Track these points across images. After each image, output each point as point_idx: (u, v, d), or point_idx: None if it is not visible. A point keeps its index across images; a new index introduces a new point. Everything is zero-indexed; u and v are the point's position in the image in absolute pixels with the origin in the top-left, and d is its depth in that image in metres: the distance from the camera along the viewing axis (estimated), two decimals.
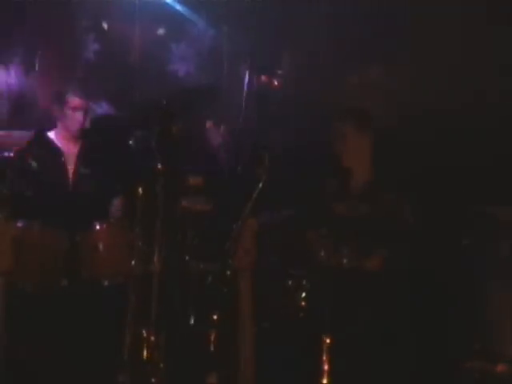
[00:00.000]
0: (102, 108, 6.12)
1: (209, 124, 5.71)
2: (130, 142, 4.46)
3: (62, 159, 5.14)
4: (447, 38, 5.04)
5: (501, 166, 4.73)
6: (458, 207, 4.58)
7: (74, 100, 5.08)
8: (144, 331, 4.22)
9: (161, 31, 6.13)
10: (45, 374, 4.21)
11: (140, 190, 4.34)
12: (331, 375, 4.08)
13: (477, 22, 4.91)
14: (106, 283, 4.61)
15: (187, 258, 4.43)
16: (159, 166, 4.04)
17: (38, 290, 4.54)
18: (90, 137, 5.30)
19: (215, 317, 4.29)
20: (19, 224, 4.58)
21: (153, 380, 4.08)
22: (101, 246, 4.64)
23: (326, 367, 4.10)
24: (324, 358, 4.10)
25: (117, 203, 5.14)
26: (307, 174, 5.03)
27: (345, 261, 4.22)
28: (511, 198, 4.35)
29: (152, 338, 4.15)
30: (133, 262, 4.40)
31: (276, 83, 5.63)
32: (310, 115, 5.49)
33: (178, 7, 6.03)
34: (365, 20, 5.40)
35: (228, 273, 4.24)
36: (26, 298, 4.50)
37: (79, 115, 5.09)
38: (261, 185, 4.30)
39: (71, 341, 4.39)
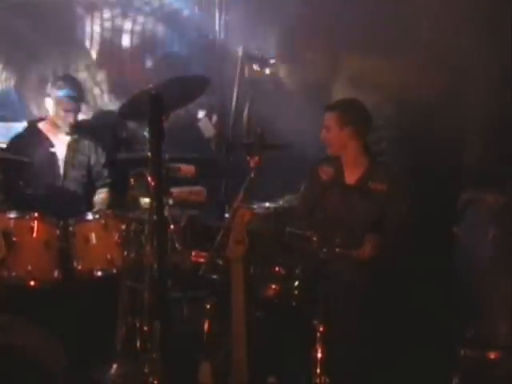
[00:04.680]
0: None
1: (201, 114, 5.71)
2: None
3: (53, 150, 5.14)
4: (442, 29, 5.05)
5: (490, 152, 4.74)
6: (447, 194, 4.59)
7: (67, 103, 5.07)
8: (137, 321, 4.24)
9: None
10: (37, 365, 4.20)
11: (132, 180, 4.34)
12: (325, 364, 4.09)
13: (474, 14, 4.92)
14: (98, 274, 4.61)
15: (179, 247, 4.43)
16: (150, 156, 4.03)
17: (31, 281, 4.53)
18: (81, 128, 5.30)
19: (208, 306, 4.30)
20: (11, 215, 4.57)
21: (146, 370, 4.08)
22: (93, 237, 4.63)
23: (319, 356, 4.11)
24: (317, 346, 4.10)
25: (101, 197, 5.14)
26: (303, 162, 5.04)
27: (337, 249, 4.22)
28: (500, 183, 4.36)
29: (145, 328, 4.15)
30: (125, 253, 4.41)
31: (268, 72, 5.61)
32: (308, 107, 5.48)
33: None
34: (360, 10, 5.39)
35: (220, 262, 4.24)
36: (18, 290, 4.50)
37: (70, 116, 5.09)
38: (253, 174, 4.31)
39: (64, 331, 4.37)
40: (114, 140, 5.78)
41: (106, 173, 5.26)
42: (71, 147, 5.19)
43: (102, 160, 5.27)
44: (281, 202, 4.78)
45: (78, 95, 5.14)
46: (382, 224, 4.51)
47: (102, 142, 5.34)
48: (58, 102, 5.07)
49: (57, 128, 5.17)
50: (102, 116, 5.93)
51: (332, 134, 4.63)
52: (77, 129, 5.21)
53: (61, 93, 5.07)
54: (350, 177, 4.67)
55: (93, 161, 5.24)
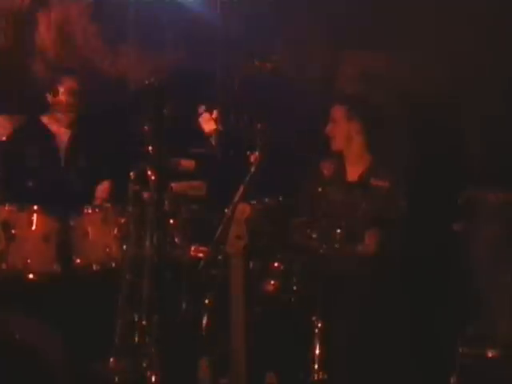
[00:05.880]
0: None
1: (201, 109, 5.67)
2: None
3: (55, 143, 5.13)
4: (448, 24, 5.06)
5: (490, 150, 4.76)
6: (448, 192, 4.60)
7: (67, 97, 5.05)
8: (135, 315, 4.23)
9: None
10: (35, 358, 4.20)
11: (132, 174, 4.33)
12: (323, 360, 4.09)
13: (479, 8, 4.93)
14: (97, 268, 4.60)
15: (178, 242, 4.43)
16: (151, 150, 4.03)
17: (30, 274, 4.53)
18: (83, 123, 5.29)
19: (207, 302, 4.29)
20: (11, 207, 4.57)
21: (144, 364, 4.08)
22: (91, 231, 4.63)
23: (317, 352, 4.11)
24: (316, 342, 4.11)
25: (102, 188, 5.12)
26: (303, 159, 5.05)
27: (336, 245, 4.23)
28: (501, 182, 4.37)
29: (143, 323, 4.15)
30: (124, 247, 4.40)
31: (269, 68, 5.61)
32: (307, 101, 5.48)
33: None
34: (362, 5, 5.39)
35: (220, 258, 4.24)
36: (17, 283, 4.50)
37: (70, 110, 5.08)
38: (253, 169, 4.31)
39: (62, 325, 4.37)
40: (119, 133, 5.75)
41: (107, 166, 5.24)
42: (73, 141, 5.17)
43: (104, 153, 5.25)
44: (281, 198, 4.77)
45: (80, 89, 5.13)
46: (382, 221, 4.51)
47: (104, 135, 5.33)
48: (60, 95, 5.06)
49: (58, 121, 5.16)
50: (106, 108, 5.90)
51: (338, 127, 4.64)
52: (78, 122, 5.20)
53: (63, 86, 5.06)
54: (352, 173, 4.69)
55: (94, 155, 5.22)
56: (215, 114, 5.68)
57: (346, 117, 4.63)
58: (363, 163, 4.67)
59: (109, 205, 4.77)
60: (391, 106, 5.25)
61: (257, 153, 4.36)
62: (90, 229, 4.63)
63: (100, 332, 4.38)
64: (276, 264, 4.34)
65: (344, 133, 4.64)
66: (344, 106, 4.65)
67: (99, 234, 4.63)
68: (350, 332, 4.27)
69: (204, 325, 4.28)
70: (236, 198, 4.19)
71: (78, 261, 4.61)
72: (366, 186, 4.58)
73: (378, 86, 5.33)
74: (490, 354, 4.12)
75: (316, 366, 4.10)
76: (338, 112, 4.66)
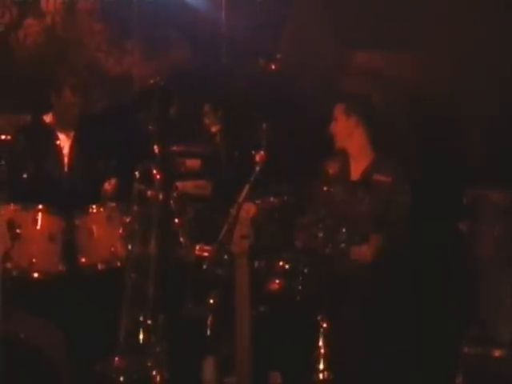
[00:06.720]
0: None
1: (206, 108, 5.68)
2: None
3: (58, 142, 5.12)
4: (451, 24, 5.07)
5: (496, 149, 4.76)
6: (454, 191, 4.60)
7: (70, 97, 5.05)
8: (140, 315, 4.23)
9: None
10: (40, 357, 4.21)
11: (137, 173, 4.33)
12: (328, 359, 4.09)
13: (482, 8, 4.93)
14: (102, 267, 4.60)
15: (183, 241, 4.43)
16: (156, 149, 4.03)
17: (35, 273, 4.53)
18: (86, 122, 5.29)
19: (212, 301, 4.29)
20: (16, 207, 4.57)
21: (149, 363, 4.08)
22: (96, 230, 4.63)
23: (322, 351, 4.11)
24: (321, 342, 4.10)
25: (108, 186, 5.12)
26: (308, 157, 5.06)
27: (342, 245, 4.23)
28: (507, 181, 4.37)
29: (149, 322, 4.16)
30: (129, 246, 4.40)
31: (274, 67, 5.61)
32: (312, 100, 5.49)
33: None
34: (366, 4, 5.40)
35: (225, 257, 4.24)
36: (22, 282, 4.50)
37: (73, 110, 5.08)
38: (258, 169, 4.30)
39: (67, 324, 4.37)
40: (123, 131, 5.75)
41: (111, 166, 5.24)
42: (77, 140, 5.17)
43: (108, 153, 5.25)
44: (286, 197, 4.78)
45: (82, 88, 5.13)
46: (385, 218, 4.51)
47: (108, 134, 5.32)
48: (62, 94, 5.06)
49: (62, 121, 5.16)
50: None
51: (338, 125, 4.69)
52: (82, 120, 5.20)
53: (66, 85, 5.06)
54: (356, 171, 4.70)
55: (98, 154, 5.22)
56: (220, 113, 5.71)
57: (344, 114, 4.68)
58: (366, 159, 4.70)
59: (113, 204, 4.77)
60: (394, 103, 5.27)
61: (262, 152, 4.35)
62: (95, 228, 4.63)
63: (105, 331, 4.38)
64: (281, 263, 4.34)
65: (344, 130, 4.70)
66: (342, 103, 4.70)
67: (104, 233, 4.63)
68: (355, 332, 4.26)
69: (209, 324, 4.28)
70: (241, 198, 4.18)
71: (83, 260, 4.62)
72: (369, 183, 4.60)
73: (381, 85, 5.34)
74: (495, 354, 4.11)
75: (321, 366, 4.09)
76: (337, 110, 4.72)
